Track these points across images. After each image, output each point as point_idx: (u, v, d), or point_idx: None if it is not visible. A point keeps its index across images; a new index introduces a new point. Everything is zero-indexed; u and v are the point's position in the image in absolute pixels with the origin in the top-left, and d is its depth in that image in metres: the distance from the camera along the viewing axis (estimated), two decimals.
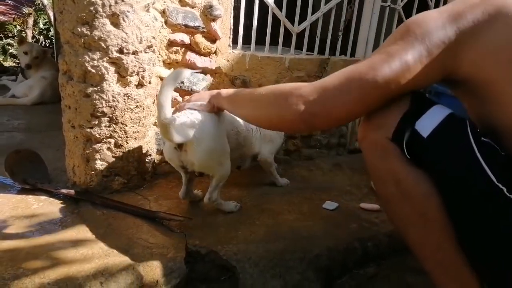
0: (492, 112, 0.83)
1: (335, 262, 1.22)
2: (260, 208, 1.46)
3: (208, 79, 1.74)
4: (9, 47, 6.93)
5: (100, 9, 1.23)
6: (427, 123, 0.81)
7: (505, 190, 0.73)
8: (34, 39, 7.34)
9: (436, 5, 2.40)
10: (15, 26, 7.45)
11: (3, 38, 7.19)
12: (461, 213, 0.81)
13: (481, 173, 0.76)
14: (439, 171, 0.82)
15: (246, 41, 1.88)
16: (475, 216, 0.79)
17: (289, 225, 1.36)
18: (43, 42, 7.48)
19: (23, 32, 7.13)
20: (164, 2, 1.50)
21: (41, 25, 7.68)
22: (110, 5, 1.24)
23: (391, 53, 0.83)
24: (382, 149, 0.88)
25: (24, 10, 7.84)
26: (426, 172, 0.84)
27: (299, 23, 1.96)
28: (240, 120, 1.42)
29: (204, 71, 1.71)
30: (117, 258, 1.05)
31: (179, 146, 1.25)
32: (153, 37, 1.41)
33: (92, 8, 1.22)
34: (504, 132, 0.81)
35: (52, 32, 6.39)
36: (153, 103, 1.50)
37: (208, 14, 1.61)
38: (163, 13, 1.51)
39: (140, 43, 1.34)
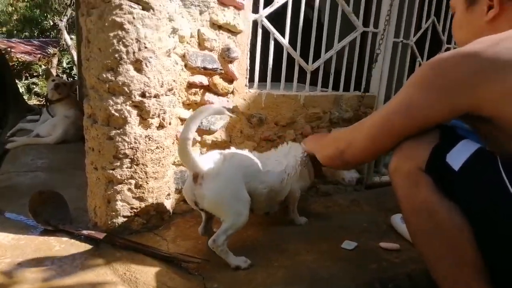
0: None
1: None
2: (278, 249, 1.44)
3: (226, 118, 1.77)
4: (34, 86, 7.26)
5: (125, 56, 1.30)
6: (458, 156, 0.84)
7: None
8: None
9: (449, 40, 2.44)
10: (40, 66, 7.82)
11: (29, 77, 7.53)
12: (493, 248, 0.81)
13: None
14: (472, 205, 0.82)
15: (263, 78, 1.93)
16: (508, 253, 0.78)
17: (308, 266, 1.33)
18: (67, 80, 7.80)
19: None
20: (184, 46, 1.57)
21: (64, 64, 8.05)
22: (134, 52, 1.30)
23: (411, 99, 0.90)
24: (415, 179, 0.90)
25: (49, 50, 8.26)
26: (458, 205, 0.85)
27: (314, 60, 2.01)
28: (274, 176, 1.50)
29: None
30: None
31: (195, 178, 1.29)
32: (174, 80, 1.47)
33: (117, 55, 1.29)
34: None
35: (75, 71, 6.67)
36: (172, 144, 1.54)
37: (226, 56, 1.67)
38: (183, 57, 1.58)
39: (161, 86, 1.39)
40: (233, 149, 1.51)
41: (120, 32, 1.26)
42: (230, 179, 1.32)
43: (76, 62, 4.91)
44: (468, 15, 1.03)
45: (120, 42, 1.26)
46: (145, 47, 1.31)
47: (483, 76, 0.82)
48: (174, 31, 1.41)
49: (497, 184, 0.78)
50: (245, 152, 1.52)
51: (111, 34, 1.26)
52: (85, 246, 1.36)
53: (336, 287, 1.21)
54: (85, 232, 1.41)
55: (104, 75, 1.30)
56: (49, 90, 3.23)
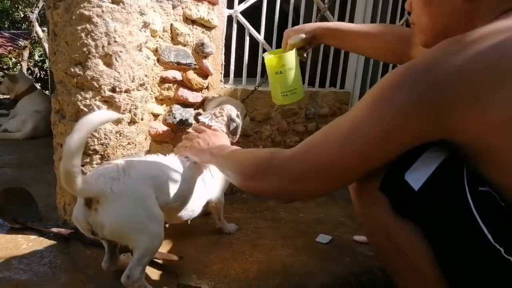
0: (491, 173, 0.73)
1: None
2: (253, 244, 1.45)
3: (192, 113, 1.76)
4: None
5: (93, 50, 1.26)
6: (418, 173, 0.75)
7: (502, 251, 0.68)
8: (29, 71, 7.42)
9: None
10: (11, 59, 7.55)
11: None
12: (456, 269, 0.77)
13: (476, 231, 0.69)
14: (432, 226, 0.77)
15: (238, 73, 1.92)
16: (471, 276, 0.74)
17: (282, 260, 1.34)
18: (38, 74, 7.57)
19: (18, 64, 7.21)
20: (157, 41, 1.55)
21: (36, 57, 7.79)
22: (103, 46, 1.27)
23: (359, 126, 0.74)
24: (371, 199, 0.83)
25: (20, 42, 7.97)
26: (417, 225, 0.79)
27: None
28: (188, 183, 1.26)
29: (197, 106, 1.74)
30: None
31: (87, 204, 1.00)
32: (146, 75, 1.44)
33: (85, 49, 1.25)
34: (504, 191, 0.72)
35: (47, 64, 6.47)
36: (145, 139, 1.51)
37: (200, 51, 1.65)
38: (155, 51, 1.55)
39: (132, 81, 1.37)
40: (134, 156, 1.32)
41: (88, 26, 1.22)
42: (135, 197, 1.05)
43: (48, 55, 4.76)
44: None
45: (89, 36, 1.23)
46: (115, 41, 1.28)
47: (459, 100, 0.67)
48: (146, 25, 1.38)
49: (459, 204, 0.72)
50: (151, 157, 1.28)
51: (79, 28, 1.22)
52: (54, 244, 1.33)
53: (310, 281, 1.22)
54: (54, 229, 1.38)
55: (72, 70, 1.27)
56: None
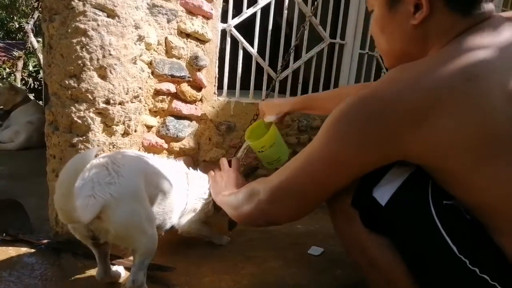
0: (452, 190, 0.76)
1: None
2: (245, 256, 1.45)
3: (194, 125, 1.77)
4: None
5: (88, 63, 1.28)
6: (385, 189, 0.78)
7: (467, 262, 0.70)
8: (23, 81, 7.41)
9: None
10: (5, 69, 7.54)
11: None
12: (427, 281, 0.78)
13: (442, 244, 0.72)
14: (400, 240, 0.79)
15: (232, 86, 1.94)
16: (440, 286, 0.76)
17: (274, 273, 1.35)
18: (32, 84, 7.55)
19: (12, 75, 7.20)
20: (151, 54, 1.57)
21: (30, 68, 7.79)
22: (98, 59, 1.29)
23: (313, 156, 0.80)
24: (345, 215, 0.86)
25: (14, 53, 7.98)
26: (388, 239, 0.81)
27: (283, 68, 2.04)
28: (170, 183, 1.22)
29: (190, 118, 1.75)
30: None
31: None
32: (140, 88, 1.46)
33: (80, 62, 1.27)
34: (467, 206, 0.75)
35: (41, 75, 6.47)
36: (138, 151, 1.52)
37: (194, 64, 1.67)
38: (150, 64, 1.57)
39: (126, 93, 1.38)
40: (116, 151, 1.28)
41: (83, 39, 1.24)
42: (133, 196, 1.04)
43: (42, 66, 4.77)
44: (391, 16, 0.82)
45: (84, 49, 1.25)
46: (110, 54, 1.29)
47: (403, 123, 0.70)
48: (141, 38, 1.40)
49: (424, 218, 0.74)
50: (133, 151, 1.28)
51: (74, 41, 1.24)
52: (45, 257, 1.32)
53: None
54: (45, 241, 1.37)
55: (67, 82, 1.28)
56: None
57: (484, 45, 0.70)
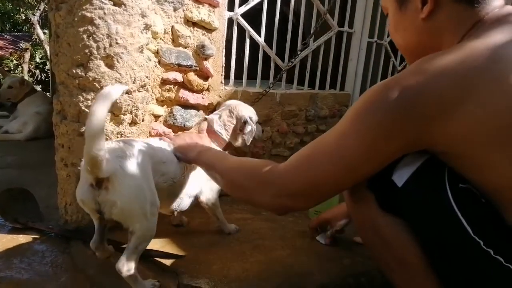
0: (469, 176, 0.77)
1: None
2: (253, 244, 1.45)
3: (201, 114, 1.77)
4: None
5: (95, 52, 1.27)
6: (402, 171, 0.80)
7: (482, 243, 0.71)
8: (30, 73, 7.45)
9: None
10: (12, 61, 7.58)
11: None
12: (441, 261, 0.80)
13: (457, 224, 0.73)
14: (415, 221, 0.81)
15: (239, 75, 1.93)
16: (455, 266, 0.78)
17: (282, 261, 1.35)
18: (39, 76, 7.59)
19: (20, 67, 7.24)
20: (158, 43, 1.56)
21: (37, 59, 7.82)
22: (105, 48, 1.28)
23: (346, 142, 0.80)
24: (360, 196, 0.89)
25: (21, 45, 8.01)
26: (403, 220, 0.83)
27: (290, 57, 2.03)
28: (174, 165, 1.23)
29: (197, 107, 1.75)
30: None
31: (98, 183, 1.00)
32: (147, 77, 1.45)
33: (87, 51, 1.26)
34: (482, 190, 0.77)
35: (48, 66, 6.49)
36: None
37: (201, 53, 1.66)
38: (156, 53, 1.56)
39: (133, 82, 1.38)
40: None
41: (90, 27, 1.23)
42: (142, 175, 1.06)
43: (49, 57, 4.79)
44: (402, 14, 0.89)
45: (91, 38, 1.24)
46: (117, 43, 1.29)
47: (435, 109, 0.72)
48: (147, 27, 1.39)
49: (440, 199, 0.75)
50: (140, 139, 1.31)
51: (81, 29, 1.23)
52: (55, 244, 1.34)
53: (309, 282, 1.23)
54: (55, 229, 1.38)
55: (74, 71, 1.28)
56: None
57: (505, 31, 0.73)
